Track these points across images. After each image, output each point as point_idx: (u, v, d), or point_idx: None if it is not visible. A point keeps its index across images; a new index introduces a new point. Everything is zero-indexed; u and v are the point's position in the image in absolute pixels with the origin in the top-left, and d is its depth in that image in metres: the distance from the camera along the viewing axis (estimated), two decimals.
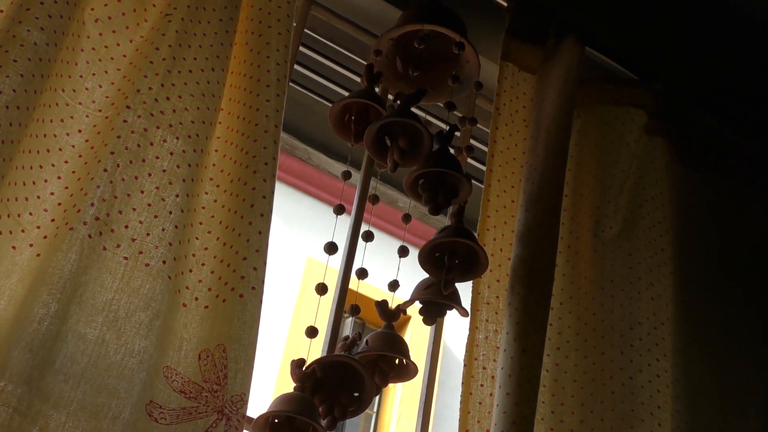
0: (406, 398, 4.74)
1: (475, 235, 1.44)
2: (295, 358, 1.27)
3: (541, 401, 1.45)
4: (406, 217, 1.51)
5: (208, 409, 1.16)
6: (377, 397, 4.71)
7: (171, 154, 1.27)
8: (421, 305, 1.42)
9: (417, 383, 4.66)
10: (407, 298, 1.42)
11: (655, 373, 1.52)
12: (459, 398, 1.43)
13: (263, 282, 1.23)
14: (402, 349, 1.36)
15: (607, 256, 1.62)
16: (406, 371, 1.37)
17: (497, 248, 1.53)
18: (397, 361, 1.37)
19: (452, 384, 4.77)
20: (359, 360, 1.31)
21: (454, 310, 1.41)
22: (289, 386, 1.27)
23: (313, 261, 4.72)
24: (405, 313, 1.42)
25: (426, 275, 1.42)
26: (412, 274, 1.51)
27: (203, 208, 1.31)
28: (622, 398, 1.49)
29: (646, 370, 1.52)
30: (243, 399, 1.17)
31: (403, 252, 1.44)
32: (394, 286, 1.42)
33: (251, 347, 1.19)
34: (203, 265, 1.26)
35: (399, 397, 4.75)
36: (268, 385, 4.40)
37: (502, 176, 1.59)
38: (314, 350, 1.35)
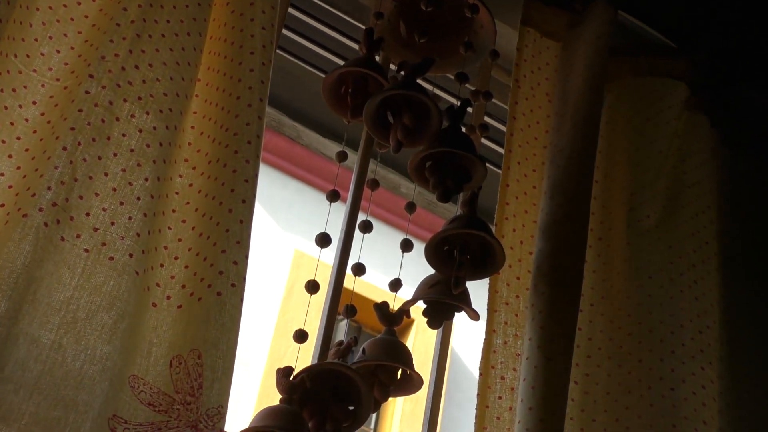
0: (408, 414, 4.75)
1: (491, 226, 1.43)
2: (282, 366, 1.27)
3: (569, 417, 1.46)
4: (410, 206, 1.51)
5: (181, 423, 1.16)
6: (375, 413, 4.72)
7: (140, 131, 1.27)
8: (425, 306, 1.41)
9: (421, 397, 4.66)
10: (410, 297, 1.41)
11: (700, 384, 1.53)
12: (468, 414, 1.43)
13: (245, 278, 1.23)
14: (404, 357, 1.36)
15: (643, 249, 1.62)
16: (409, 383, 1.37)
17: (517, 241, 1.53)
18: (399, 371, 1.37)
19: (461, 398, 4.78)
20: (355, 369, 1.31)
21: (464, 313, 1.41)
22: (274, 398, 1.27)
23: (302, 255, 4.73)
24: (408, 315, 1.42)
25: (432, 271, 1.42)
26: (417, 271, 1.51)
27: (177, 193, 1.31)
28: (662, 412, 1.50)
29: (689, 381, 1.53)
30: (220, 412, 1.17)
31: (406, 245, 1.44)
32: (395, 284, 1.42)
33: (230, 353, 1.19)
34: (176, 258, 1.26)
35: (401, 412, 4.76)
36: (250, 396, 4.41)
37: (523, 158, 1.59)
38: (303, 357, 1.35)
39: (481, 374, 1.44)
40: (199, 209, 1.29)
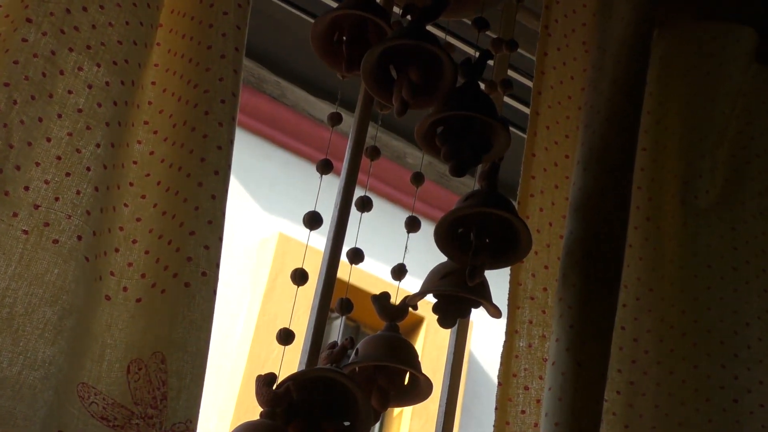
0: (417, 430, 4.77)
1: (515, 204, 1.43)
2: (263, 373, 1.27)
3: None
4: (418, 178, 1.51)
5: None
6: (376, 426, 4.73)
7: (89, 87, 1.26)
8: (436, 301, 1.41)
9: (432, 412, 4.69)
10: (417, 290, 1.41)
11: None
12: (489, 429, 1.43)
13: (218, 266, 1.23)
14: (410, 359, 1.36)
15: (701, 231, 1.63)
16: (417, 391, 1.37)
17: (545, 222, 1.53)
18: (407, 377, 1.37)
19: (480, 412, 4.80)
20: (351, 375, 1.31)
21: (482, 309, 1.41)
22: (253, 411, 1.26)
23: (287, 239, 4.73)
24: (415, 309, 1.42)
25: (444, 259, 1.41)
26: (426, 258, 1.51)
27: (135, 163, 1.31)
28: (723, 428, 1.50)
29: (756, 390, 1.53)
30: (189, 428, 1.17)
31: (412, 226, 1.44)
32: (399, 271, 1.42)
33: (201, 356, 1.19)
34: (134, 242, 1.26)
35: (407, 427, 4.78)
36: (225, 409, 4.43)
37: (553, 122, 1.59)
38: (289, 362, 1.34)
39: (500, 384, 1.45)
40: (162, 182, 1.29)
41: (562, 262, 1.44)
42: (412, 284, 1.46)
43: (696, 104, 1.72)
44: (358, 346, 1.37)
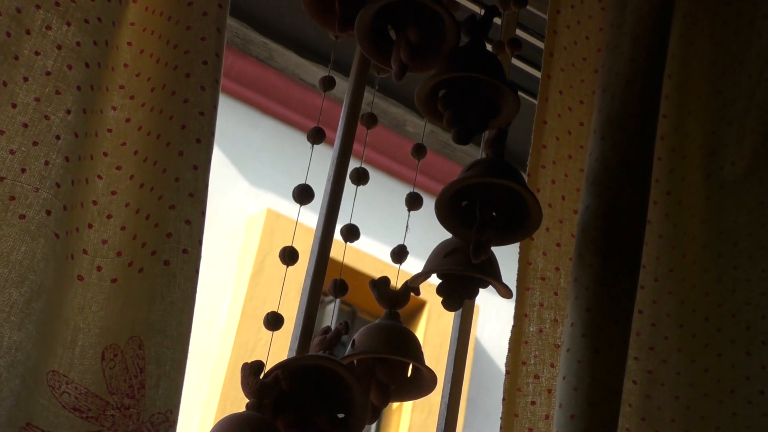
0: (419, 426, 4.79)
1: (524, 175, 1.44)
2: (249, 361, 1.27)
3: (624, 428, 1.47)
4: (419, 149, 1.51)
5: None
6: (374, 424, 4.73)
7: (58, 47, 1.26)
8: (440, 282, 1.41)
9: (435, 403, 4.69)
10: (419, 271, 1.41)
11: None
12: (497, 422, 1.44)
13: (200, 243, 1.23)
14: (412, 351, 1.37)
15: (727, 206, 1.63)
16: (419, 384, 1.38)
17: (557, 195, 1.54)
18: (410, 369, 1.38)
19: (487, 404, 4.82)
20: (346, 365, 1.31)
21: (491, 289, 1.41)
22: (239, 403, 1.27)
23: (276, 215, 4.74)
24: (417, 294, 1.42)
25: (448, 235, 1.42)
26: (428, 235, 1.51)
27: (109, 131, 1.31)
28: (748, 423, 1.51)
29: None
30: (169, 419, 1.17)
31: (413, 202, 1.44)
32: (399, 253, 1.42)
33: (182, 341, 1.19)
34: (109, 217, 1.26)
35: (408, 422, 4.80)
36: (209, 400, 4.44)
37: (566, 86, 1.59)
38: (278, 349, 1.35)
39: (508, 372, 1.45)
40: (139, 152, 1.29)
41: (577, 240, 1.44)
42: (413, 266, 1.46)
43: (722, 66, 1.72)
44: (355, 337, 1.37)
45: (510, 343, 1.48)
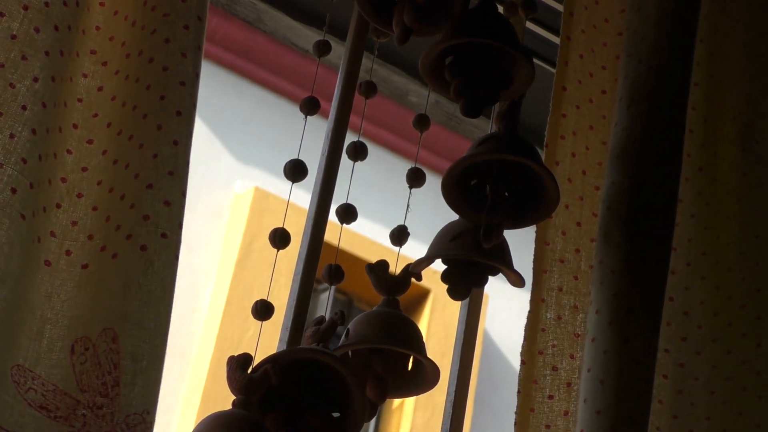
0: (422, 426, 4.79)
1: (540, 150, 1.44)
2: (236, 354, 1.27)
3: (655, 427, 1.47)
4: (422, 121, 1.51)
5: None
6: (373, 421, 4.74)
7: (25, 8, 1.25)
8: (445, 268, 1.42)
9: (438, 398, 4.71)
10: (422, 255, 1.41)
11: None
12: (508, 423, 1.45)
13: (181, 226, 1.23)
14: (412, 341, 1.37)
15: (764, 183, 1.63)
16: (421, 379, 1.38)
17: (577, 170, 1.54)
18: (409, 362, 1.38)
19: (496, 402, 4.83)
20: (342, 357, 1.32)
21: (501, 277, 1.41)
22: (224, 401, 1.28)
23: (265, 195, 4.74)
24: (419, 280, 1.43)
25: (454, 217, 1.42)
26: (432, 216, 1.51)
27: (80, 100, 1.31)
28: None
29: None
30: (146, 420, 1.17)
31: (415, 177, 1.45)
32: (399, 235, 1.43)
33: (160, 334, 1.19)
34: (80, 196, 1.26)
35: (410, 421, 4.80)
36: (190, 398, 4.45)
37: (587, 49, 1.60)
38: (267, 341, 1.35)
39: (524, 363, 1.45)
40: (112, 124, 1.28)
41: (601, 218, 1.44)
42: (415, 250, 1.46)
43: (760, 29, 1.71)
44: (350, 325, 1.37)
45: (526, 331, 1.48)
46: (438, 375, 1.37)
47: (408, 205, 1.46)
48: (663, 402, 1.49)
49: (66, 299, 1.22)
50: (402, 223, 1.43)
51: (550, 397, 1.44)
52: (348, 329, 1.37)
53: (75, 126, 1.29)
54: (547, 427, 1.43)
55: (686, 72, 1.50)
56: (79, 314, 1.21)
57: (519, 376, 1.46)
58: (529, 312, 1.48)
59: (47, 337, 1.20)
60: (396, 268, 1.40)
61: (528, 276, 1.45)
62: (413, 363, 1.39)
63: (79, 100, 1.30)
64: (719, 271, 1.59)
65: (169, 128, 1.26)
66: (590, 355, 1.35)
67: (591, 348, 1.36)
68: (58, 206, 1.25)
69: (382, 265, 1.39)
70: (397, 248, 1.43)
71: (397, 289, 1.39)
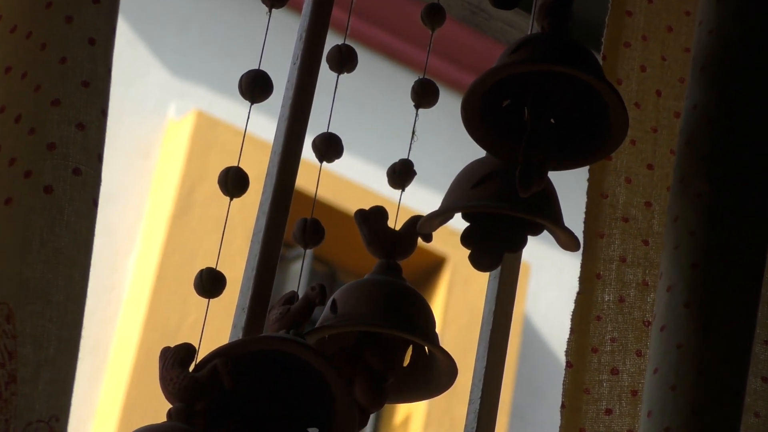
0: None
1: (598, 57, 1.46)
2: (172, 345, 1.29)
3: None
4: (434, 13, 1.53)
5: None
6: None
7: None
8: (467, 226, 1.43)
9: (459, 409, 4.73)
10: (434, 208, 1.42)
11: None
12: None
13: (101, 159, 1.25)
14: (420, 323, 1.39)
15: None
16: (429, 375, 1.41)
17: (649, 90, 1.57)
18: (410, 351, 1.40)
19: (540, 411, 4.85)
20: (320, 348, 1.35)
21: (547, 238, 1.43)
22: (155, 409, 1.29)
23: (210, 120, 4.74)
24: (428, 241, 1.44)
25: (479, 152, 1.44)
26: (448, 150, 1.52)
27: None
28: None
29: None
30: (53, 429, 1.18)
31: (424, 93, 1.46)
32: (403, 173, 1.45)
33: (73, 310, 1.20)
34: None
35: None
36: (108, 405, 4.46)
37: None
38: (216, 326, 1.37)
39: (570, 365, 1.47)
40: (3, 17, 1.29)
41: (678, 157, 1.44)
42: (424, 199, 1.47)
43: None
44: (335, 297, 1.39)
45: (573, 321, 1.49)
46: (455, 372, 1.39)
47: (414, 133, 1.46)
48: (761, 415, 1.50)
49: None
50: (405, 158, 1.45)
51: (608, 411, 1.45)
52: (334, 301, 1.38)
53: None
54: None
55: None
56: None
57: (564, 384, 1.48)
58: (579, 294, 1.50)
59: None
60: (396, 222, 1.42)
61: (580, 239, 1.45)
62: (421, 355, 1.41)
63: None
64: None
65: (82, 21, 1.27)
66: (658, 351, 1.35)
67: (659, 339, 1.36)
68: None
69: (378, 212, 1.41)
70: (398, 192, 1.44)
71: (398, 249, 1.40)
